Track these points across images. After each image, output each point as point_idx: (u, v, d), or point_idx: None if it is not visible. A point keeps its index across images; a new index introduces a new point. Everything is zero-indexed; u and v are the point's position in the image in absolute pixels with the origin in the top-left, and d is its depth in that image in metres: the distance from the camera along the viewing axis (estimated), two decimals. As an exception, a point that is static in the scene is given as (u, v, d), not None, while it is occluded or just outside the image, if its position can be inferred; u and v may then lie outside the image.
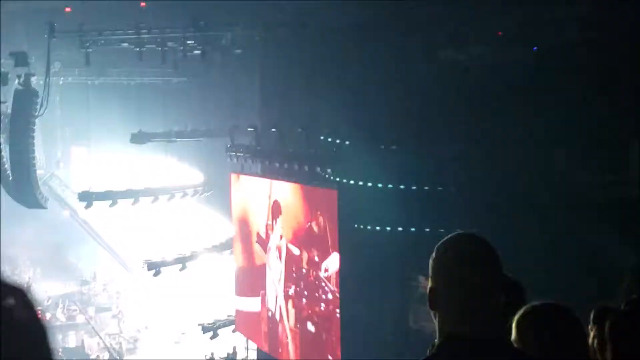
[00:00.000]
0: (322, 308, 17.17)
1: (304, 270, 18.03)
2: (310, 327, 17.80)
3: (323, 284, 17.05)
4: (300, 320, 18.31)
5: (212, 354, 24.71)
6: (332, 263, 16.49)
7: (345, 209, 16.17)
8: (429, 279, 2.70)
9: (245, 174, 21.08)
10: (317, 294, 17.45)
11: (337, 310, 16.41)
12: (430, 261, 2.71)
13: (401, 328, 15.74)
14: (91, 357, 27.16)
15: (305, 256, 17.94)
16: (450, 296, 2.64)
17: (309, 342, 17.91)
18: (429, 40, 15.47)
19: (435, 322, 2.68)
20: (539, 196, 13.09)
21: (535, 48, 14.20)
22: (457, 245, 2.70)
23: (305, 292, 18.05)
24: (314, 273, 17.49)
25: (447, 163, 14.77)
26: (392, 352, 15.40)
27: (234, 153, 21.39)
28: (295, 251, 18.37)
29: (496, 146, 13.80)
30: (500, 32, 14.99)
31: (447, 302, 2.65)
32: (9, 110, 22.42)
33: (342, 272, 16.14)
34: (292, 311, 18.67)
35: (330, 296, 16.77)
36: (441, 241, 2.71)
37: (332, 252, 16.44)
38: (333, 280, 16.55)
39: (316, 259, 17.37)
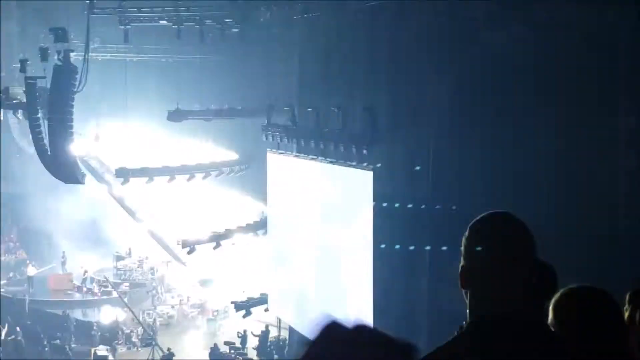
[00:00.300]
0: (355, 287, 17.13)
1: (336, 250, 17.99)
2: (343, 305, 17.78)
3: (355, 263, 17.00)
4: (331, 299, 18.30)
5: (245, 331, 24.82)
6: (365, 243, 16.42)
7: (380, 189, 16.08)
8: (462, 258, 2.62)
9: (281, 153, 21.06)
10: (349, 273, 17.41)
11: (371, 291, 16.36)
12: (463, 239, 2.63)
13: (434, 308, 15.61)
14: (125, 332, 27.42)
15: (338, 235, 17.89)
16: (482, 275, 2.55)
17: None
18: (470, 20, 15.14)
19: (467, 301, 2.60)
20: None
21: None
22: (491, 224, 2.62)
23: (337, 271, 18.03)
24: (346, 252, 17.44)
25: (482, 148, 14.51)
26: (424, 333, 15.32)
27: (270, 132, 21.40)
28: (329, 230, 18.33)
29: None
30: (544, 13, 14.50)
31: (479, 281, 2.57)
32: (49, 86, 22.56)
33: (375, 252, 16.08)
34: (324, 290, 18.66)
35: (363, 277, 16.71)
36: (475, 219, 2.63)
37: (365, 232, 16.37)
38: (367, 260, 16.48)
39: (349, 238, 17.31)
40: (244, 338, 24.57)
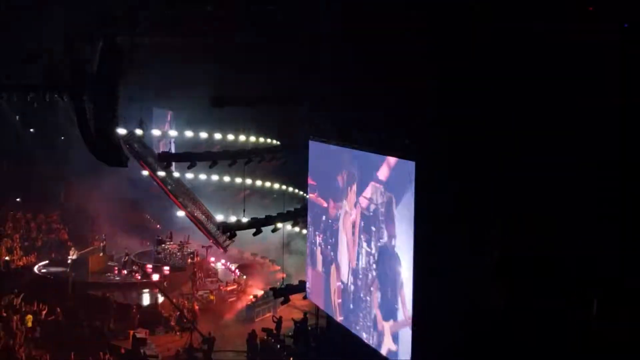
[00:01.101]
0: (393, 282, 16.94)
1: (375, 241, 17.82)
2: (380, 298, 17.62)
3: (395, 256, 16.81)
4: (369, 290, 18.15)
5: (280, 317, 24.85)
6: (406, 235, 16.21)
7: (422, 180, 15.85)
8: None
9: (323, 141, 20.91)
10: (388, 266, 17.23)
11: (410, 285, 16.17)
12: None
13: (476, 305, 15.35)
14: (164, 315, 27.62)
15: (378, 227, 17.71)
16: None
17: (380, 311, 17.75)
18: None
19: None
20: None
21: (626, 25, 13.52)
22: None
23: (375, 265, 17.86)
24: (386, 244, 17.26)
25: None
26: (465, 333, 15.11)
27: (312, 120, 21.28)
28: (368, 222, 18.16)
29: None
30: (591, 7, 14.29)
31: None
32: (95, 69, 22.71)
33: (418, 246, 15.85)
34: (362, 281, 18.51)
35: (401, 270, 16.52)
36: None
37: (407, 224, 16.16)
38: (406, 254, 16.28)
39: (389, 231, 17.12)
40: (278, 324, 24.58)
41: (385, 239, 17.28)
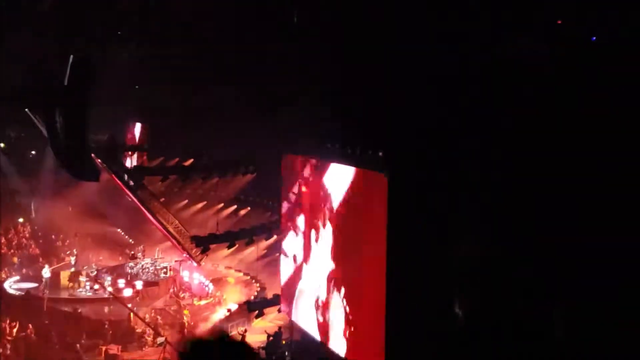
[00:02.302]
0: (368, 299, 16.95)
1: (349, 253, 17.83)
2: (355, 312, 17.62)
3: (369, 268, 16.82)
4: (344, 305, 18.14)
5: (245, 330, 24.77)
6: (378, 248, 16.24)
7: (396, 194, 15.89)
8: None
9: (296, 155, 20.93)
10: (361, 279, 17.24)
11: (383, 296, 16.18)
12: None
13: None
14: (137, 331, 27.40)
15: (351, 239, 17.73)
16: None
17: (356, 331, 17.74)
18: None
19: None
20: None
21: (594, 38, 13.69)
22: None
23: (350, 276, 17.87)
24: (360, 257, 17.27)
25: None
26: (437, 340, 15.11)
27: (285, 134, 21.28)
28: (342, 234, 18.18)
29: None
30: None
31: None
32: (65, 83, 22.52)
33: (390, 258, 15.88)
34: (336, 294, 18.51)
35: (375, 282, 16.53)
36: None
37: (380, 237, 16.19)
38: (380, 265, 16.29)
39: (363, 243, 17.14)
40: (243, 337, 24.42)
41: (357, 249, 17.32)
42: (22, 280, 33.04)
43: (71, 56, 22.25)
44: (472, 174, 14.82)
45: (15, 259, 35.66)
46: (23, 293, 31.16)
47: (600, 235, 12.21)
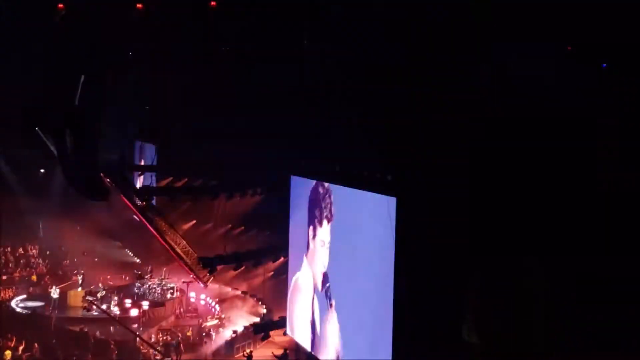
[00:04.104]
0: (372, 318, 16.90)
1: (354, 276, 17.80)
2: (359, 333, 17.56)
3: (374, 292, 16.78)
4: (347, 327, 18.09)
5: (251, 352, 24.66)
6: (387, 271, 16.21)
7: (405, 217, 15.86)
8: None
9: (304, 177, 20.97)
10: (366, 303, 17.19)
11: (390, 321, 16.13)
12: None
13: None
14: (143, 351, 27.34)
15: (358, 262, 17.70)
16: None
17: (356, 349, 17.68)
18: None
19: None
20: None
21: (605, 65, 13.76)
22: None
23: (354, 300, 17.83)
24: (366, 279, 17.24)
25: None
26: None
27: (293, 155, 21.33)
28: (347, 256, 18.16)
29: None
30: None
31: None
32: (76, 103, 22.69)
33: (398, 282, 15.84)
34: (336, 318, 18.46)
35: (382, 307, 16.49)
36: None
37: (389, 260, 16.16)
38: (387, 288, 16.26)
39: (370, 265, 17.11)
40: (248, 359, 24.31)
41: (362, 272, 17.28)
42: (29, 298, 33.07)
43: (82, 77, 22.46)
44: (482, 195, 14.84)
45: (35, 277, 35.72)
46: (30, 312, 31.19)
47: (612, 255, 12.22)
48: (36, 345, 26.23)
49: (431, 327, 15.31)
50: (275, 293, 30.23)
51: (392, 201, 16.15)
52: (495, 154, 14.79)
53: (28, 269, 37.35)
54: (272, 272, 30.46)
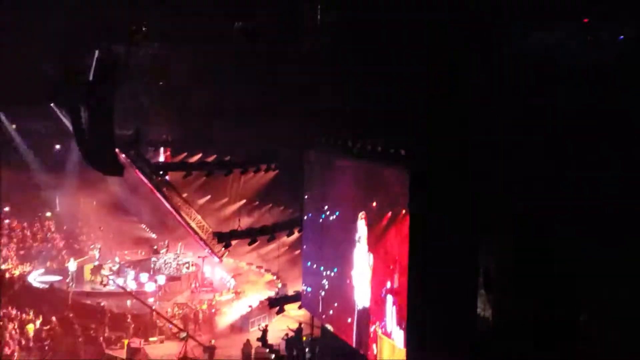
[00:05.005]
0: (390, 292, 16.96)
1: (372, 250, 17.84)
2: (374, 307, 17.63)
3: (391, 267, 16.83)
4: (365, 300, 18.16)
5: (267, 326, 24.83)
6: (402, 247, 16.24)
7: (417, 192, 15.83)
8: None
9: (318, 151, 20.96)
10: (383, 277, 17.25)
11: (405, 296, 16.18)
12: None
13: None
14: (159, 325, 27.58)
15: (373, 236, 17.73)
16: None
17: (368, 319, 17.77)
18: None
19: None
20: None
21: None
22: None
23: (370, 273, 17.88)
24: (382, 253, 17.27)
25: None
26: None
27: (307, 130, 21.31)
28: (365, 231, 18.19)
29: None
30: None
31: None
32: (90, 78, 22.71)
33: (413, 259, 15.83)
34: (361, 289, 18.54)
35: (397, 283, 16.55)
36: None
37: (405, 237, 16.17)
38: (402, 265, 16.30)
39: (387, 239, 17.13)
40: (264, 334, 24.47)
41: (378, 246, 17.31)
42: (47, 273, 33.41)
43: (96, 52, 22.46)
44: (494, 172, 14.77)
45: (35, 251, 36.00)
46: (47, 286, 31.52)
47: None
48: (54, 319, 26.54)
49: (446, 305, 15.35)
50: (290, 267, 30.39)
51: (406, 176, 16.13)
52: (511, 125, 14.69)
53: (45, 243, 37.68)
54: (287, 247, 30.59)
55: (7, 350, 23.80)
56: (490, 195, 14.81)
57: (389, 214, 16.84)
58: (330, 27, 20.04)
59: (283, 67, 22.11)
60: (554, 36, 14.21)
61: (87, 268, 32.93)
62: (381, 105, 17.98)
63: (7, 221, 38.58)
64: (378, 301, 17.51)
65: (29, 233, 38.50)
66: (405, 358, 16.17)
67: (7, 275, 32.55)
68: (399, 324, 16.39)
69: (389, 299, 16.93)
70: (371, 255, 18.07)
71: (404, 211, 16.10)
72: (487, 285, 13.75)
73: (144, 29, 24.55)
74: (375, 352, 17.60)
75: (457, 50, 15.49)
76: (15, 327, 25.95)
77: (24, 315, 26.86)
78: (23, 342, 25.08)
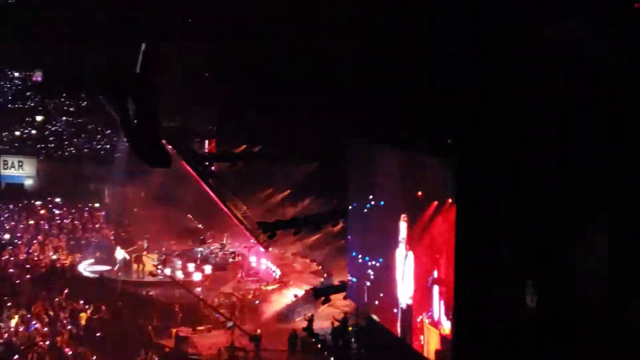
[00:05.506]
0: (437, 282, 16.88)
1: (415, 241, 17.76)
2: (419, 297, 17.57)
3: (437, 257, 16.74)
4: (410, 290, 18.11)
5: (312, 316, 24.88)
6: (448, 237, 16.13)
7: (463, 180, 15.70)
8: None
9: (362, 141, 20.90)
10: (429, 268, 17.17)
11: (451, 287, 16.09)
12: None
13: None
14: (206, 314, 27.86)
15: (415, 229, 17.65)
16: None
17: (414, 309, 17.71)
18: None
19: None
20: None
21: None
22: None
23: (414, 266, 17.82)
24: (427, 244, 17.19)
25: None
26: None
27: (351, 119, 21.26)
28: (410, 221, 18.12)
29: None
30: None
31: None
32: (137, 71, 22.96)
33: (459, 248, 15.70)
34: (404, 281, 18.51)
35: (443, 273, 16.45)
36: None
37: (451, 226, 16.04)
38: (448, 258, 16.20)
39: (433, 231, 17.04)
40: (309, 323, 24.52)
41: (426, 238, 17.24)
42: (96, 263, 33.96)
43: (142, 44, 22.69)
44: (543, 166, 14.60)
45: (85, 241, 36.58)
46: (97, 276, 32.06)
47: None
48: (104, 308, 26.98)
49: (493, 294, 15.25)
50: (335, 257, 30.41)
51: (453, 165, 16.00)
52: (558, 113, 14.48)
53: (94, 233, 38.31)
54: (332, 238, 30.62)
55: (58, 339, 24.27)
56: (537, 184, 14.68)
57: (435, 203, 16.71)
58: (375, 18, 19.97)
59: (326, 58, 22.11)
60: (599, 26, 13.93)
61: (136, 258, 33.37)
62: (425, 94, 17.87)
63: (58, 212, 39.39)
64: (424, 291, 17.43)
65: (79, 224, 39.18)
66: (452, 348, 16.10)
67: (58, 265, 33.20)
68: (447, 313, 16.31)
69: (435, 289, 16.83)
70: (411, 251, 18.01)
71: (450, 200, 15.97)
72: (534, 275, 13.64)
73: (189, 21, 24.80)
74: (422, 342, 17.54)
75: (501, 38, 15.31)
76: (67, 315, 26.47)
77: (74, 305, 27.36)
78: (74, 330, 25.56)
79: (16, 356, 22.90)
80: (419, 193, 17.56)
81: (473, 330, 15.54)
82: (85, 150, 41.29)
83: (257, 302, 29.52)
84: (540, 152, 14.44)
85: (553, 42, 14.16)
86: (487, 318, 15.14)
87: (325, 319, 25.20)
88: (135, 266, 32.78)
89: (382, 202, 19.89)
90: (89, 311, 26.82)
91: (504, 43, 15.29)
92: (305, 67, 23.19)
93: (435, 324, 16.88)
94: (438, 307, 16.76)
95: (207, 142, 36.71)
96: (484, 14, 15.68)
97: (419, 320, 17.73)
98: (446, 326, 16.35)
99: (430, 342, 17.24)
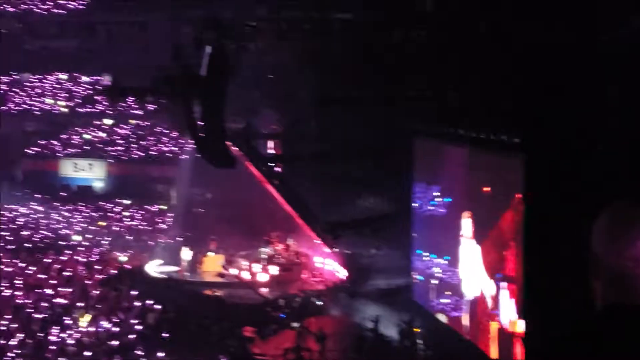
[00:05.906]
0: (505, 281, 16.61)
1: (481, 240, 17.53)
2: (488, 298, 17.32)
3: (505, 255, 16.48)
4: (478, 290, 17.86)
5: (377, 316, 24.74)
6: (517, 235, 15.86)
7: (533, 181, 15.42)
8: None
9: (427, 139, 20.75)
10: (497, 266, 16.91)
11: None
12: None
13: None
14: (272, 314, 27.97)
15: (486, 226, 17.41)
16: None
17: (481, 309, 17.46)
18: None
19: None
20: None
21: None
22: None
23: (482, 265, 17.58)
24: (495, 242, 16.94)
25: None
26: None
27: (415, 118, 21.12)
28: (477, 221, 17.90)
29: None
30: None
31: None
32: (202, 72, 23.24)
33: (528, 246, 15.43)
34: (470, 281, 18.27)
35: (511, 271, 16.18)
36: None
37: (520, 224, 15.78)
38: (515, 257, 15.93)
39: (501, 229, 16.79)
40: (375, 323, 24.35)
41: (493, 236, 16.99)
42: (164, 263, 34.41)
43: (207, 47, 22.97)
44: (613, 164, 14.21)
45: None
46: (165, 276, 32.50)
47: None
48: (171, 308, 27.32)
49: (564, 292, 14.88)
50: (399, 258, 30.15)
51: (521, 162, 15.74)
52: (626, 111, 14.11)
53: (162, 235, 38.82)
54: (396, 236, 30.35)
55: (127, 340, 24.67)
56: (607, 182, 14.27)
57: (503, 200, 16.47)
58: (441, 14, 19.80)
59: (390, 55, 21.99)
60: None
61: (204, 259, 33.70)
62: (493, 92, 17.61)
63: (126, 213, 40.08)
64: (491, 290, 17.17)
65: (147, 225, 39.76)
66: (522, 347, 15.81)
67: (127, 266, 33.76)
68: (516, 312, 16.02)
69: (503, 287, 16.56)
70: (479, 247, 17.75)
71: (518, 197, 15.70)
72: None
73: (254, 24, 24.98)
74: (489, 342, 17.27)
75: (583, 31, 14.99)
76: (135, 316, 26.91)
77: (143, 305, 27.78)
78: (143, 331, 25.94)
79: (87, 355, 23.36)
80: (487, 190, 17.32)
81: (544, 330, 15.22)
82: (153, 152, 41.89)
83: (321, 302, 29.48)
84: (612, 147, 14.07)
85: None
86: (560, 319, 14.79)
87: (391, 319, 25.01)
88: (201, 267, 33.10)
89: (447, 200, 19.69)
90: (157, 311, 27.19)
91: (585, 37, 14.94)
92: (369, 64, 23.10)
93: (503, 324, 16.60)
94: (506, 307, 16.49)
95: (271, 142, 36.85)
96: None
97: (486, 320, 17.47)
98: (516, 326, 16.07)
99: (497, 342, 16.98)
